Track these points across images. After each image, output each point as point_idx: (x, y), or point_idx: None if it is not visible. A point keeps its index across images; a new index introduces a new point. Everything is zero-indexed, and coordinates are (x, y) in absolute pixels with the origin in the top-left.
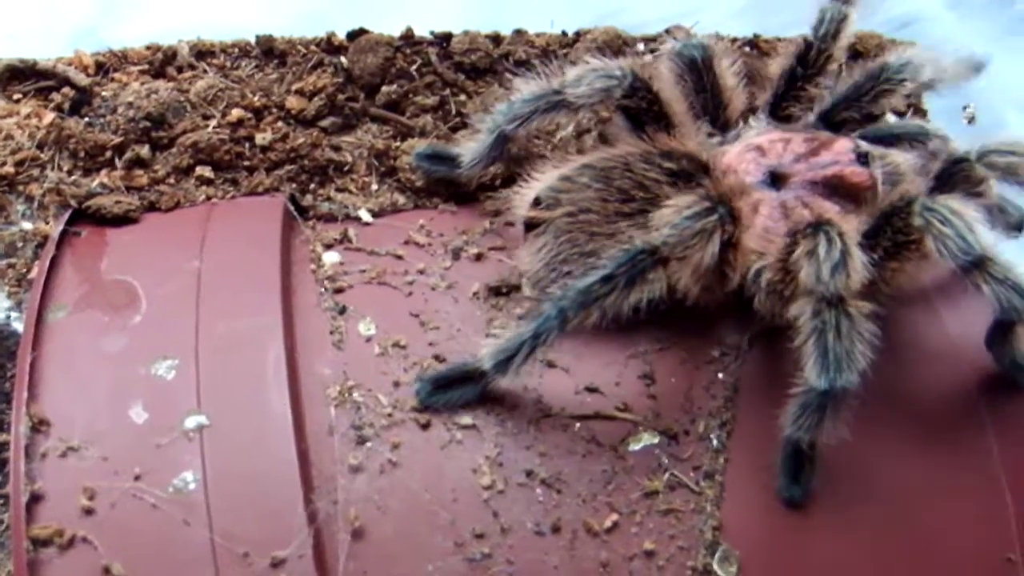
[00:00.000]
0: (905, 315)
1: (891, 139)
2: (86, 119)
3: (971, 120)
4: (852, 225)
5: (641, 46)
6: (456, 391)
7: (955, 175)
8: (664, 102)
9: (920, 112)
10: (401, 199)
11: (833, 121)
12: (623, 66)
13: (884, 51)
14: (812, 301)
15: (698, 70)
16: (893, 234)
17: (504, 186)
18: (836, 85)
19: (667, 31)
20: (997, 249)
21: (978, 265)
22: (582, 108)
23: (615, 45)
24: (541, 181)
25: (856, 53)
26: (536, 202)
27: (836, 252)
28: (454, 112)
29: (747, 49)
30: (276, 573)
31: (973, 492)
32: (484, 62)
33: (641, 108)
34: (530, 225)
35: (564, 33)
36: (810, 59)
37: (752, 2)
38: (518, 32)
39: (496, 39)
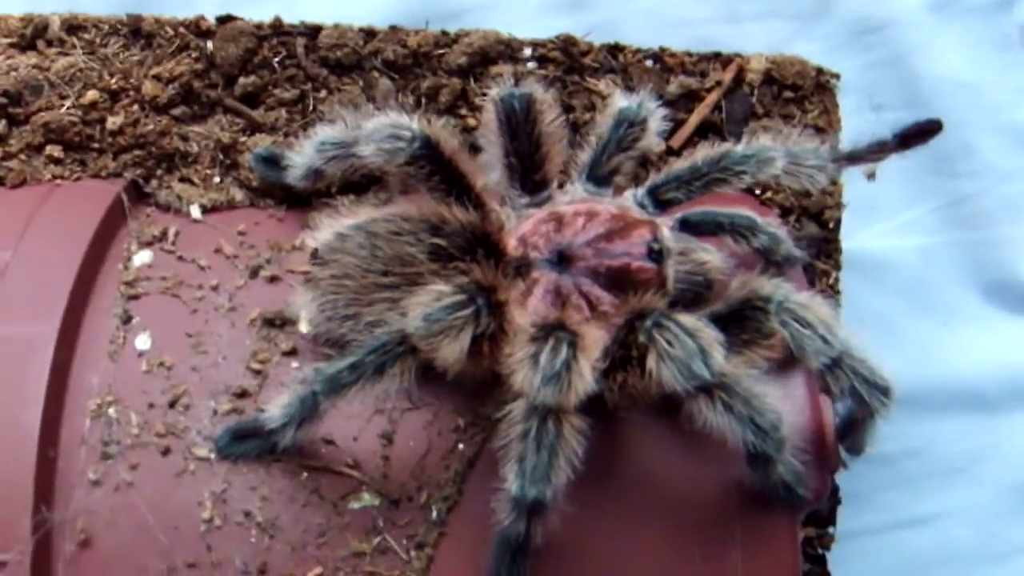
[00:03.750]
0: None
1: (714, 227)
2: None
3: (877, 109)
4: (599, 332)
5: (528, 51)
6: (250, 443)
7: (747, 319)
8: (456, 169)
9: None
10: (239, 195)
11: (661, 199)
12: (414, 128)
13: (806, 80)
14: (525, 405)
15: (516, 124)
16: (620, 347)
17: (340, 193)
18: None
19: (557, 38)
20: (738, 375)
21: (706, 392)
22: (371, 164)
23: (495, 50)
24: (323, 232)
25: (771, 79)
26: (314, 254)
27: (558, 362)
28: (312, 108)
29: (649, 63)
30: None
31: None
32: (351, 59)
33: (422, 176)
34: (308, 277)
35: (444, 32)
36: (625, 132)
37: None
38: (393, 29)
39: (369, 34)
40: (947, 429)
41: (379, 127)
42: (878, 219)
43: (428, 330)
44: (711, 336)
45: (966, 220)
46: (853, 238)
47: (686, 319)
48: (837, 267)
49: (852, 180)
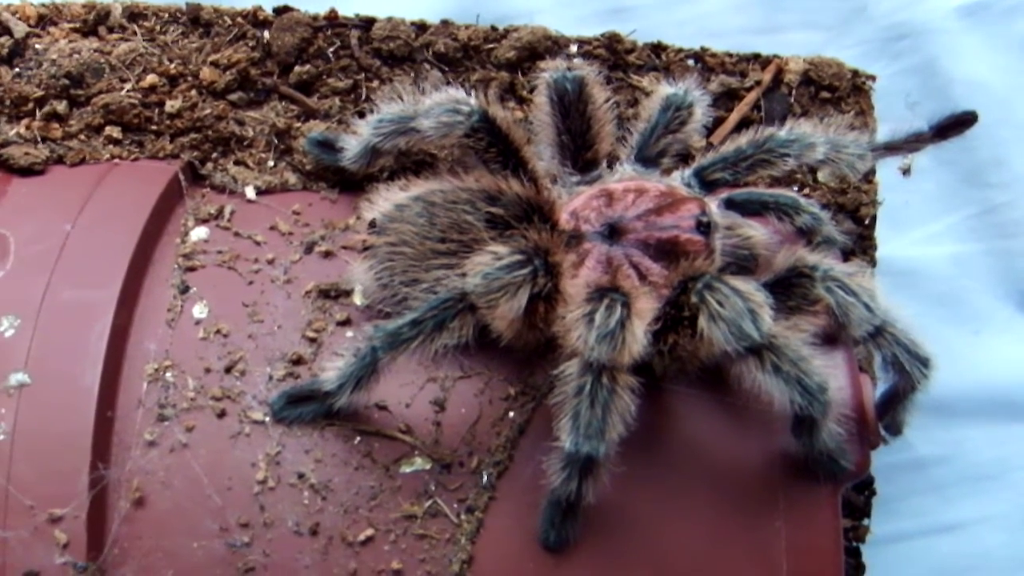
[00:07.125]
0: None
1: (758, 206)
2: (16, 69)
3: (912, 107)
4: (649, 299)
5: (574, 47)
6: (306, 407)
7: (793, 286)
8: (512, 143)
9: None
10: (292, 179)
11: (707, 179)
12: (472, 104)
13: (842, 81)
14: (579, 363)
15: (568, 104)
16: (673, 308)
17: (391, 178)
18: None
19: (603, 36)
20: (787, 336)
21: (755, 353)
22: (430, 138)
23: (542, 45)
24: (380, 204)
25: (809, 80)
26: (372, 224)
27: (612, 321)
28: (364, 97)
29: (691, 63)
30: (53, 528)
31: (753, 566)
32: (403, 50)
33: (480, 148)
34: (365, 245)
35: (493, 28)
36: (672, 115)
37: None
38: (444, 23)
39: (421, 27)
40: (978, 436)
41: (439, 101)
42: (911, 227)
43: (487, 288)
44: (761, 298)
45: (998, 229)
46: (886, 246)
47: (737, 281)
48: (872, 263)
49: (885, 188)
